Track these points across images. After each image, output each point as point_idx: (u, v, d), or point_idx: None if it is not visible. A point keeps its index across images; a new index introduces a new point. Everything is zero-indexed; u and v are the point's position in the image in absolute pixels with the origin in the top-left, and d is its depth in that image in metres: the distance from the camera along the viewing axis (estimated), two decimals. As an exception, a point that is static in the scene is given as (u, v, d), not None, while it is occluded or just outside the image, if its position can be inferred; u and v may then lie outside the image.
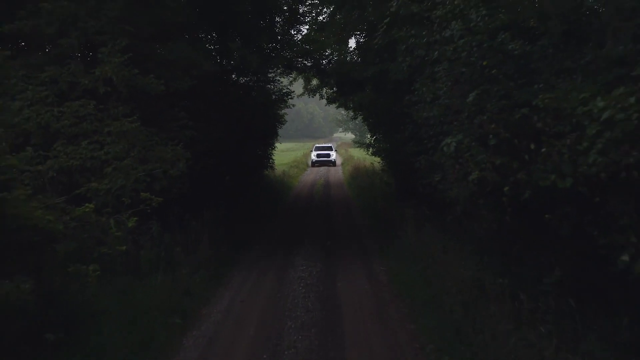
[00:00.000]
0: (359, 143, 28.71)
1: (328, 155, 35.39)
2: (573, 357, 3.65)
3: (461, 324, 5.08)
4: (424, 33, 7.13)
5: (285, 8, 13.20)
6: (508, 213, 4.10)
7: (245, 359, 5.27)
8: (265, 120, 15.83)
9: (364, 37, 14.78)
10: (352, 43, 27.08)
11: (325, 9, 16.54)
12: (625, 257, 3.42)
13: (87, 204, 5.48)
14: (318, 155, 35.52)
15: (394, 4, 8.35)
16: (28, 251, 5.03)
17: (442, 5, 6.81)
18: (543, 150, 3.93)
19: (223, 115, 10.88)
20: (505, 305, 4.51)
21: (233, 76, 12.68)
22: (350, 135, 68.14)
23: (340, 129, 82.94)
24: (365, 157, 25.73)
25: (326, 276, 8.26)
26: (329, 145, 40.27)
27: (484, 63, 4.95)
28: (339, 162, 36.79)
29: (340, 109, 25.62)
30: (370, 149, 17.17)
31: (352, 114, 20.73)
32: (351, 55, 16.79)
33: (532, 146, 4.03)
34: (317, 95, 19.66)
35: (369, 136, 19.25)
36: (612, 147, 3.71)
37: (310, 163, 35.80)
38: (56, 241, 5.27)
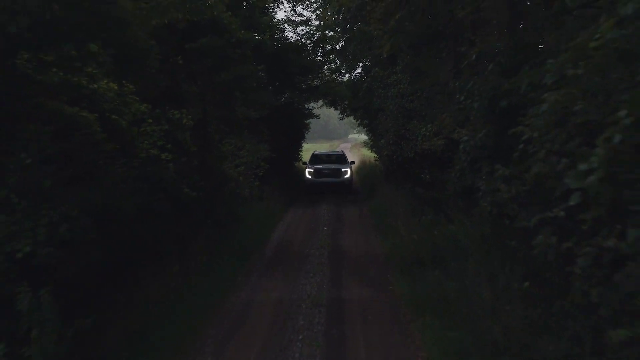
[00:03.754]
0: (365, 143, 36.53)
1: (338, 173, 19.90)
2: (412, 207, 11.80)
3: (388, 211, 13.31)
4: (382, 91, 15.28)
5: (318, 61, 21.57)
6: (396, 167, 12.23)
7: (304, 228, 13.51)
8: (298, 127, 24.16)
9: (363, 71, 23.13)
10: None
11: (341, 40, 24.98)
12: (422, 176, 11.53)
13: (240, 167, 13.79)
14: (317, 173, 19.86)
15: (372, 73, 16.56)
16: (225, 187, 13.26)
17: (394, 74, 15.00)
18: (404, 143, 12.05)
19: (279, 127, 19.20)
20: (401, 202, 12.67)
21: (283, 101, 21.04)
22: (363, 137, 75.09)
23: (355, 131, 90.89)
24: (371, 155, 33.10)
25: (337, 210, 16.49)
26: (339, 151, 23.76)
27: (394, 110, 13.05)
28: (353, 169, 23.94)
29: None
30: (372, 148, 25.16)
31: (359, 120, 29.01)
32: (358, 76, 25.18)
33: (403, 143, 12.15)
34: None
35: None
36: (426, 142, 11.79)
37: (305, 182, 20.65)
38: (231, 182, 13.53)
